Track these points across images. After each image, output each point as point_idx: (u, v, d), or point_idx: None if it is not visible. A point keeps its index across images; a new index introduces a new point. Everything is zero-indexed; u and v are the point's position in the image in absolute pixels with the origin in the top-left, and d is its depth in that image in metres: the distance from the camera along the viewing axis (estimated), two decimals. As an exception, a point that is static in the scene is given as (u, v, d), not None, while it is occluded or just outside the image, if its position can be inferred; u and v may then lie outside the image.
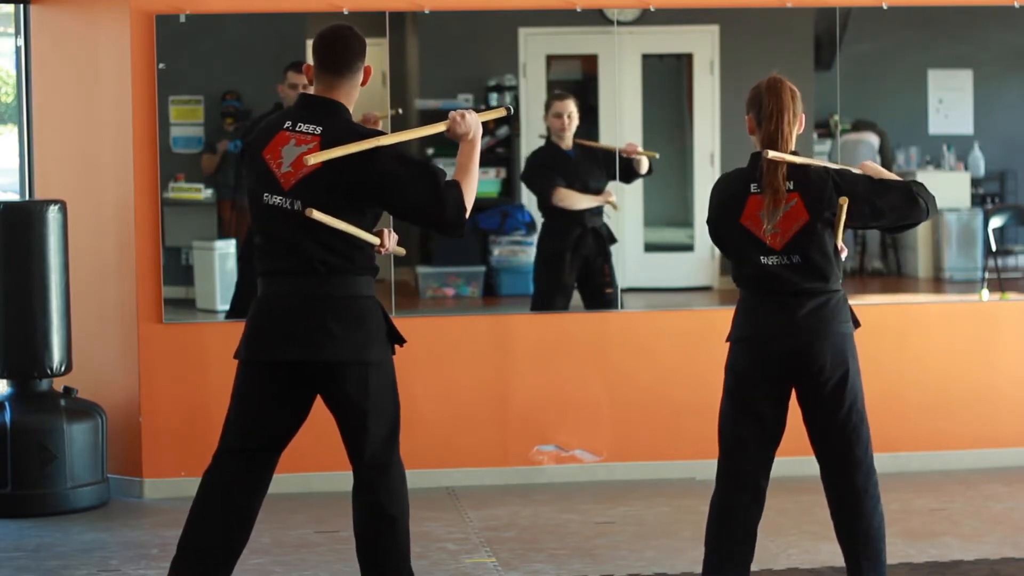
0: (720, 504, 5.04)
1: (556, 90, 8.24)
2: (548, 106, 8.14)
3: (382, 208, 4.82)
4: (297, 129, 4.73)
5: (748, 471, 5.01)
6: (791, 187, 4.93)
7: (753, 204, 4.95)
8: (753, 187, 4.96)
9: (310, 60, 4.91)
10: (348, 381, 4.74)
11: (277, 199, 4.72)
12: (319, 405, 4.89)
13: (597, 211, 7.99)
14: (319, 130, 4.73)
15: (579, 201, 7.99)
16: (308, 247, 4.71)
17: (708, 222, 5.09)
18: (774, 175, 4.90)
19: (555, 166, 8.05)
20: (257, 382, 4.80)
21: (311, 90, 4.87)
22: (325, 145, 4.69)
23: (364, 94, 4.93)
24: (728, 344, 5.10)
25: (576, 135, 8.06)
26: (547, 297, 8.03)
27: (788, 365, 4.98)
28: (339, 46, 4.80)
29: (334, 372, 4.74)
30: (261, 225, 4.78)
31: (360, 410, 4.76)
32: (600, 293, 7.99)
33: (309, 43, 4.96)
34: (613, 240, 8.03)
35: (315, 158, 4.62)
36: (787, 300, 4.96)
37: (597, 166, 8.02)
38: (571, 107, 8.00)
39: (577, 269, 7.98)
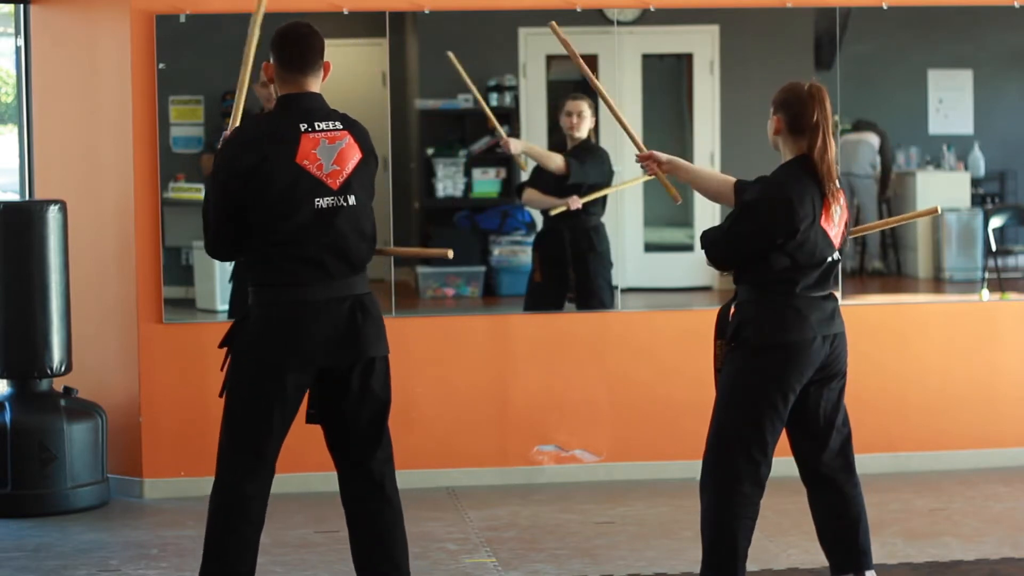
0: (746, 510, 4.97)
1: (575, 91, 8.16)
2: (562, 105, 8.06)
3: None
4: (318, 129, 4.72)
5: (766, 475, 5.01)
6: (838, 184, 4.98)
7: (826, 206, 4.94)
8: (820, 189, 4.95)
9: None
10: (376, 375, 4.82)
11: (328, 200, 4.69)
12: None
13: (572, 213, 7.88)
14: (339, 124, 4.76)
15: (540, 203, 7.98)
16: (358, 245, 4.74)
17: (792, 232, 4.86)
18: (832, 179, 4.90)
19: (539, 169, 8.02)
20: (296, 389, 4.76)
21: (271, 89, 4.87)
22: (357, 136, 4.76)
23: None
24: (743, 347, 4.98)
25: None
26: (527, 296, 8.06)
27: (823, 368, 4.98)
28: (305, 44, 4.79)
29: (370, 367, 4.79)
30: (310, 232, 4.68)
31: (382, 403, 4.84)
32: (564, 296, 7.95)
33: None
34: (591, 247, 7.91)
35: None
36: (823, 300, 4.96)
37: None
38: (582, 107, 7.94)
39: (550, 271, 7.93)
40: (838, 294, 5.19)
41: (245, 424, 4.76)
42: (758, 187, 4.98)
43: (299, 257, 4.68)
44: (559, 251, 7.89)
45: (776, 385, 4.93)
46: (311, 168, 4.68)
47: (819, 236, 4.91)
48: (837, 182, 4.97)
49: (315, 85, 4.80)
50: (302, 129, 4.70)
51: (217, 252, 4.83)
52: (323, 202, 4.68)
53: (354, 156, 4.74)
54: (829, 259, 4.95)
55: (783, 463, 5.34)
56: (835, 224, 4.96)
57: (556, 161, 7.83)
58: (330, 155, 4.70)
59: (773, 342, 4.93)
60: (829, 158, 4.91)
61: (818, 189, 4.91)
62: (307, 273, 4.69)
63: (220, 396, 4.82)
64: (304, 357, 4.71)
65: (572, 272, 7.89)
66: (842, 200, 5.00)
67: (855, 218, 8.00)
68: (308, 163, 4.68)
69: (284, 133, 4.69)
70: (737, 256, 4.98)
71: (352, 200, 4.72)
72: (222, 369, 4.82)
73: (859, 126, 9.27)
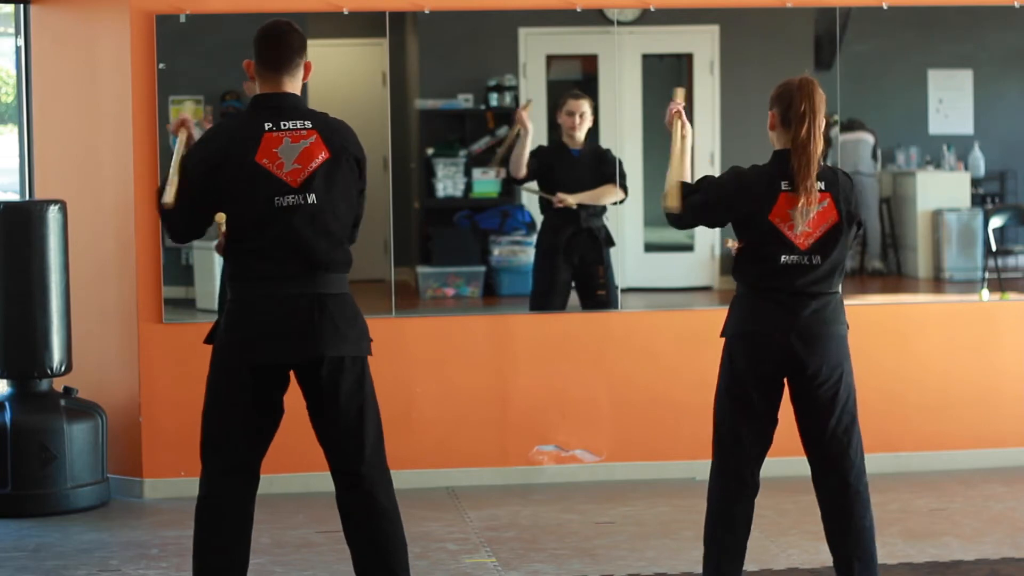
0: (721, 502, 5.04)
1: (575, 90, 8.13)
2: (563, 103, 8.04)
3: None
4: (284, 128, 4.75)
5: (746, 467, 5.03)
6: (822, 187, 4.94)
7: (784, 202, 4.93)
8: (784, 185, 4.93)
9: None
10: (346, 375, 4.77)
11: (290, 198, 4.72)
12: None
13: (594, 212, 7.92)
14: (308, 123, 4.79)
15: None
16: (319, 245, 4.74)
17: (737, 214, 4.97)
18: (807, 174, 4.88)
19: (550, 163, 7.99)
20: (261, 387, 4.77)
21: (256, 88, 4.89)
22: (324, 135, 4.77)
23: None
24: (722, 340, 5.10)
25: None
26: (540, 295, 8.02)
27: (786, 364, 4.98)
28: (283, 43, 4.82)
29: (338, 367, 4.76)
30: (267, 229, 4.71)
31: (357, 404, 4.78)
32: (593, 295, 7.96)
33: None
34: (611, 243, 7.97)
35: None
36: (793, 299, 4.96)
37: (595, 170, 7.93)
38: (583, 107, 7.91)
39: (572, 269, 7.94)
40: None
41: (214, 422, 4.81)
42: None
43: (256, 253, 4.73)
44: (594, 249, 7.89)
45: (733, 378, 5.02)
46: (270, 167, 4.72)
47: (766, 232, 4.92)
48: (819, 183, 4.93)
49: (292, 84, 4.83)
50: (266, 128, 4.74)
51: (178, 236, 4.90)
52: (283, 200, 4.72)
53: (319, 155, 4.75)
54: (783, 259, 4.94)
55: (783, 463, 5.35)
56: (797, 224, 4.92)
57: (612, 195, 7.89)
58: (292, 154, 4.73)
59: (731, 333, 5.04)
60: (810, 150, 4.88)
61: (787, 186, 4.91)
62: (264, 269, 4.73)
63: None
64: (245, 352, 4.74)
65: (600, 269, 7.91)
66: (824, 202, 4.95)
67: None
68: (268, 162, 4.72)
69: (247, 132, 4.74)
70: (697, 200, 5.03)
71: (312, 198, 4.73)
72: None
73: (852, 125, 9.26)
